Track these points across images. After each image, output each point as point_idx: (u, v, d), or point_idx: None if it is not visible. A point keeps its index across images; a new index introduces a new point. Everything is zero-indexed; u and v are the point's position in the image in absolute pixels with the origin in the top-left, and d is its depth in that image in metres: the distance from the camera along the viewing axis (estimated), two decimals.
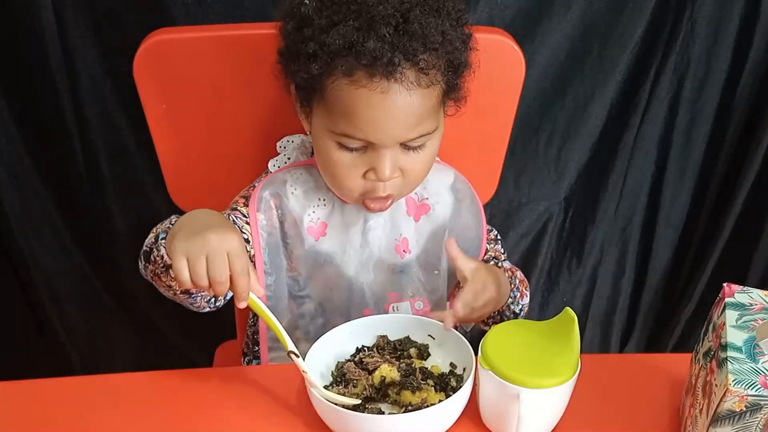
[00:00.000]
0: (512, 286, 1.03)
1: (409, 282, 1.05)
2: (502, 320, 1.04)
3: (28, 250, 1.50)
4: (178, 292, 0.88)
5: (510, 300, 1.03)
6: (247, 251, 0.95)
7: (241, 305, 0.78)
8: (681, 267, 1.67)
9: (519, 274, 1.08)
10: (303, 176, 1.02)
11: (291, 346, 0.82)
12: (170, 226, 0.85)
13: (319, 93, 0.88)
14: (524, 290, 1.06)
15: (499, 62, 1.04)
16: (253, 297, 0.79)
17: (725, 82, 1.44)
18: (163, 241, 0.84)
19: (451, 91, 0.93)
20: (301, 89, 0.91)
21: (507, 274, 1.05)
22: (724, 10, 1.36)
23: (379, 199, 0.93)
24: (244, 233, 0.98)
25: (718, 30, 1.38)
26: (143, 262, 0.89)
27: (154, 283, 0.90)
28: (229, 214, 0.98)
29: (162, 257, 0.84)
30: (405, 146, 0.89)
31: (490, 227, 1.12)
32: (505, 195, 1.52)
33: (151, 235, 0.88)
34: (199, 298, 0.91)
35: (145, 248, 0.88)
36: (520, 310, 1.05)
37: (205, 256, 0.74)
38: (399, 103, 0.84)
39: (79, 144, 1.39)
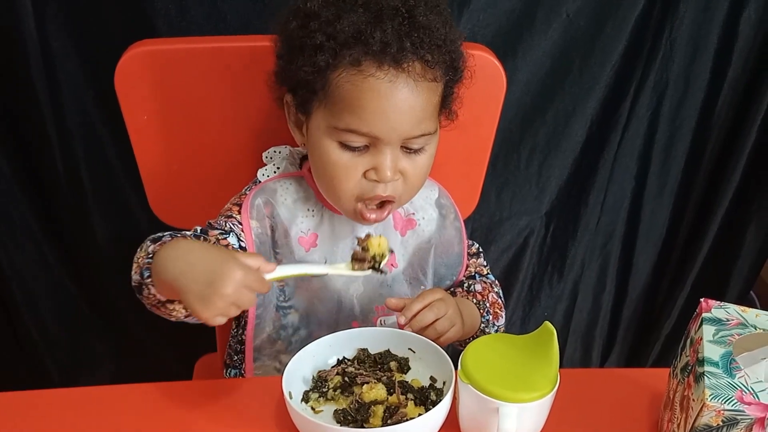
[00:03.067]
0: (482, 311, 1.04)
1: (396, 296, 1.05)
2: None
3: (7, 261, 1.49)
4: (183, 318, 0.87)
5: (483, 324, 1.04)
6: None
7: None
8: (661, 282, 1.68)
9: (491, 296, 1.08)
10: (293, 186, 1.02)
11: (321, 270, 0.89)
12: (149, 260, 0.83)
13: (321, 91, 0.88)
14: (498, 311, 1.07)
15: (480, 78, 1.05)
16: (273, 275, 0.81)
17: (704, 101, 1.46)
18: (149, 280, 0.82)
19: (447, 99, 0.94)
20: (301, 90, 0.91)
21: (474, 300, 1.05)
22: (702, 30, 1.38)
23: (376, 210, 0.93)
24: (242, 242, 0.97)
25: (696, 49, 1.40)
26: (137, 294, 0.87)
27: (151, 310, 0.89)
28: (225, 222, 0.98)
29: (155, 295, 0.83)
30: (406, 149, 0.90)
31: (471, 241, 1.13)
32: (486, 210, 1.52)
33: (135, 268, 0.86)
34: None
35: (133, 283, 0.86)
36: (496, 330, 1.06)
37: (233, 304, 0.74)
38: (405, 95, 0.85)
39: (59, 155, 1.38)
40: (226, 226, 0.97)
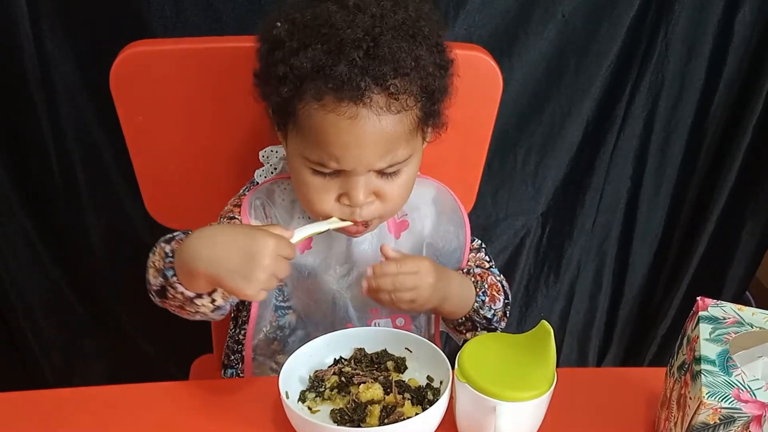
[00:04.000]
0: (477, 289, 1.02)
1: None
2: (473, 326, 1.03)
3: (2, 262, 1.48)
4: (209, 312, 0.88)
5: (477, 305, 1.01)
6: None
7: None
8: (657, 282, 1.68)
9: (490, 278, 1.05)
10: (289, 187, 1.01)
11: (322, 226, 0.90)
12: (170, 260, 0.84)
13: (292, 116, 0.87)
14: (496, 294, 1.04)
15: (476, 78, 1.05)
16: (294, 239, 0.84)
17: (699, 101, 1.46)
18: (175, 278, 0.83)
19: (429, 118, 0.92)
20: (276, 112, 0.91)
21: (473, 279, 1.03)
22: (698, 30, 1.38)
23: (355, 223, 0.92)
24: None
25: (692, 49, 1.40)
26: (158, 299, 0.88)
27: (175, 312, 0.90)
28: (227, 222, 0.98)
29: (182, 293, 0.84)
30: (379, 172, 0.89)
31: (473, 237, 1.12)
32: (483, 210, 1.52)
33: (153, 273, 0.87)
34: (227, 309, 0.91)
35: (154, 287, 0.87)
36: (493, 314, 1.03)
37: (273, 275, 0.78)
38: (368, 130, 0.83)
39: (54, 156, 1.38)
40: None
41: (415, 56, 0.84)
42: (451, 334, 1.09)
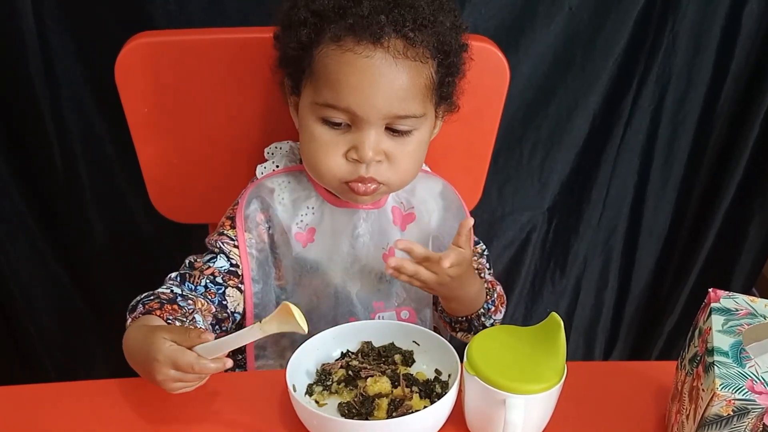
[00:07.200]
0: (488, 297, 1.03)
1: (395, 291, 1.04)
2: (469, 328, 1.03)
3: (4, 258, 1.48)
4: None
5: (482, 310, 1.02)
6: (238, 275, 0.97)
7: (228, 365, 0.77)
8: (664, 278, 1.67)
9: (499, 288, 1.07)
10: (291, 184, 1.01)
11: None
12: (130, 319, 0.87)
13: (308, 68, 0.88)
14: (500, 305, 1.05)
15: (483, 70, 1.04)
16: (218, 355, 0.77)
17: (706, 94, 1.45)
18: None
19: (443, 88, 0.92)
20: (292, 68, 0.91)
21: (486, 286, 1.04)
22: (705, 23, 1.37)
23: (362, 180, 0.90)
24: (232, 258, 0.98)
25: (699, 43, 1.39)
26: None
27: None
28: (216, 241, 0.98)
29: None
30: (391, 131, 0.89)
31: (476, 239, 1.11)
32: (488, 205, 1.51)
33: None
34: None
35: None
36: (492, 324, 1.04)
37: (176, 385, 0.77)
38: (384, 71, 0.84)
39: (58, 151, 1.38)
40: (216, 246, 0.98)
41: (432, 11, 0.86)
42: (442, 325, 1.08)
